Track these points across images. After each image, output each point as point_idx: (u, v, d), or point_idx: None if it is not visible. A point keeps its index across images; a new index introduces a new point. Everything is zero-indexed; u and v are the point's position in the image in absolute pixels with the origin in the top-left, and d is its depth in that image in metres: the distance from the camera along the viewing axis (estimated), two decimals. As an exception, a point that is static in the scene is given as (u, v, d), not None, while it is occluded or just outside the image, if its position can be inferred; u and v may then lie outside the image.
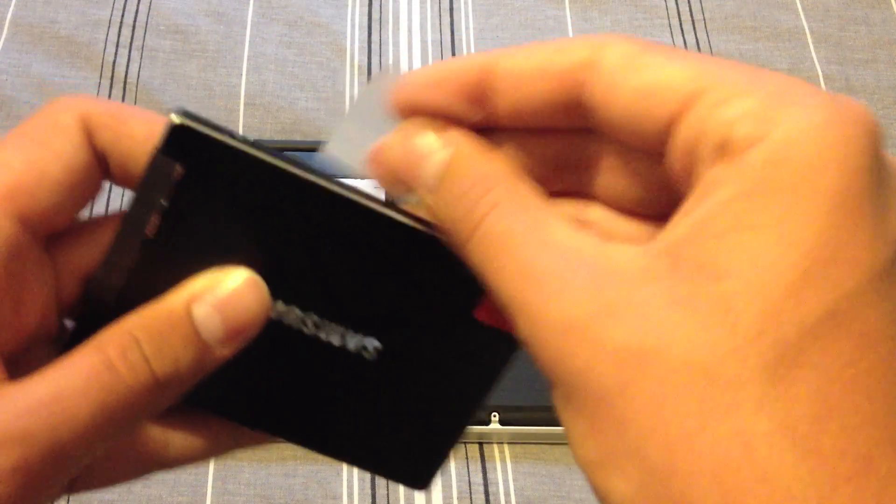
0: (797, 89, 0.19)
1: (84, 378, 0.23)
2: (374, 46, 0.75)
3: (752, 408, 0.17)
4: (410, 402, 0.28)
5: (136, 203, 0.24)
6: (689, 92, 0.20)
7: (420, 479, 0.29)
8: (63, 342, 0.26)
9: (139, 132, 0.25)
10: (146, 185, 0.24)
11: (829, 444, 0.17)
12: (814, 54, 0.75)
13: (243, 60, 0.73)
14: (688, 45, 0.76)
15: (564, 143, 0.25)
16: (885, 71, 0.75)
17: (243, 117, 0.71)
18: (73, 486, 0.26)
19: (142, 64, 0.72)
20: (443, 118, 0.24)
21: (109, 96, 0.71)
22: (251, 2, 0.77)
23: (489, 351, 0.27)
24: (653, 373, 0.18)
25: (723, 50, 0.75)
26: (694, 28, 0.77)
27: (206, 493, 0.56)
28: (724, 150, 0.19)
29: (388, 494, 0.57)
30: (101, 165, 0.26)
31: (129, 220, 0.25)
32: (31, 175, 0.24)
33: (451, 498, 0.57)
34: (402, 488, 0.57)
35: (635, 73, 0.21)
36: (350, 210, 0.25)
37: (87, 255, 0.26)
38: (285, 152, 0.24)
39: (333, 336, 0.26)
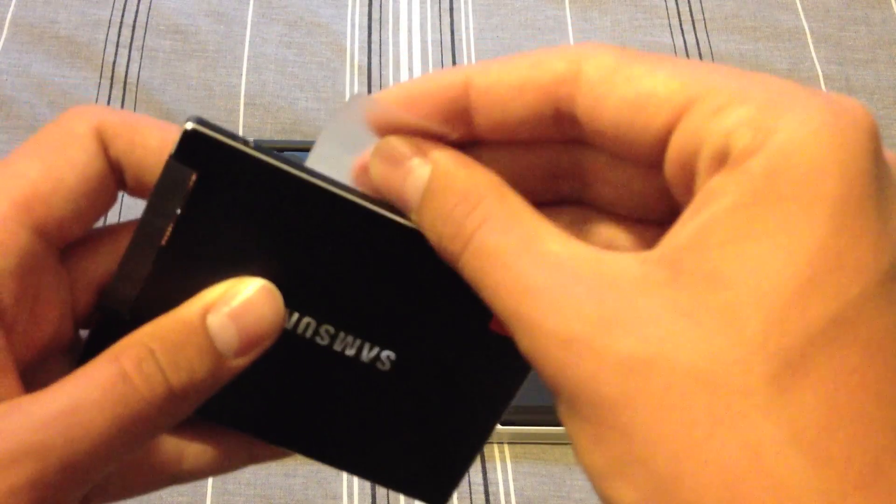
0: (792, 93, 0.19)
1: (100, 390, 0.22)
2: (374, 46, 0.75)
3: (760, 416, 0.17)
4: (427, 414, 0.27)
5: (150, 211, 0.24)
6: (681, 101, 0.20)
7: (438, 494, 0.29)
8: (78, 353, 0.26)
9: (153, 142, 0.25)
10: (160, 193, 0.24)
11: (838, 451, 0.17)
12: (814, 54, 0.75)
13: (243, 60, 0.73)
14: (688, 45, 0.76)
15: (555, 153, 0.24)
16: (885, 71, 0.75)
17: (243, 117, 0.71)
18: (88, 501, 0.25)
19: (142, 64, 0.72)
20: (421, 136, 0.23)
21: (109, 96, 0.71)
22: (251, 2, 0.76)
23: (506, 362, 0.26)
24: (658, 382, 0.18)
25: (723, 50, 0.75)
26: (694, 28, 0.77)
27: (205, 493, 0.56)
28: (722, 159, 0.19)
29: (388, 494, 0.57)
30: (116, 175, 0.25)
31: (143, 229, 0.24)
32: (46, 185, 0.24)
33: (451, 498, 0.57)
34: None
35: (620, 85, 0.21)
36: (365, 219, 0.24)
37: (101, 265, 0.26)
38: (296, 157, 0.24)
39: (348, 347, 0.26)
